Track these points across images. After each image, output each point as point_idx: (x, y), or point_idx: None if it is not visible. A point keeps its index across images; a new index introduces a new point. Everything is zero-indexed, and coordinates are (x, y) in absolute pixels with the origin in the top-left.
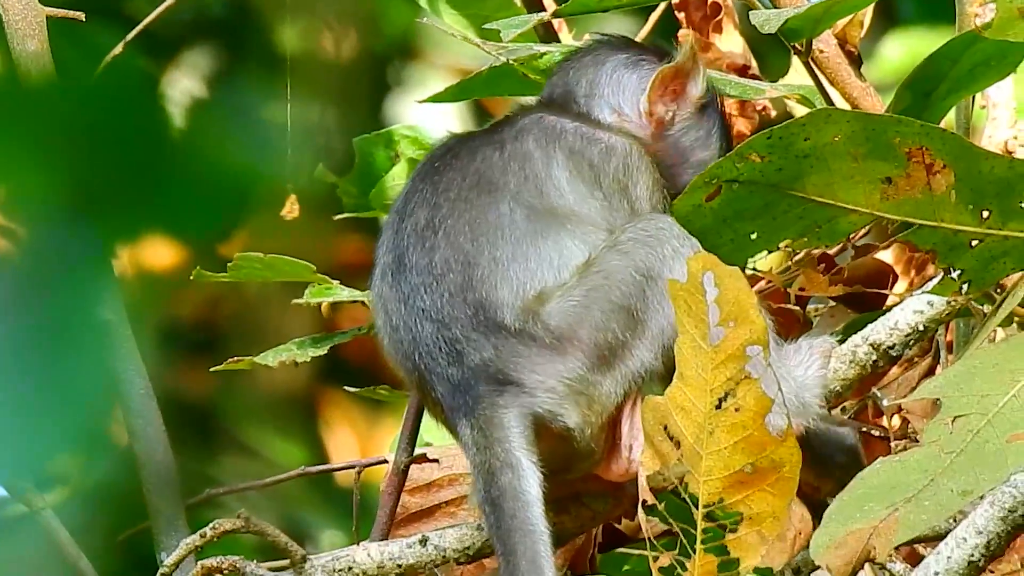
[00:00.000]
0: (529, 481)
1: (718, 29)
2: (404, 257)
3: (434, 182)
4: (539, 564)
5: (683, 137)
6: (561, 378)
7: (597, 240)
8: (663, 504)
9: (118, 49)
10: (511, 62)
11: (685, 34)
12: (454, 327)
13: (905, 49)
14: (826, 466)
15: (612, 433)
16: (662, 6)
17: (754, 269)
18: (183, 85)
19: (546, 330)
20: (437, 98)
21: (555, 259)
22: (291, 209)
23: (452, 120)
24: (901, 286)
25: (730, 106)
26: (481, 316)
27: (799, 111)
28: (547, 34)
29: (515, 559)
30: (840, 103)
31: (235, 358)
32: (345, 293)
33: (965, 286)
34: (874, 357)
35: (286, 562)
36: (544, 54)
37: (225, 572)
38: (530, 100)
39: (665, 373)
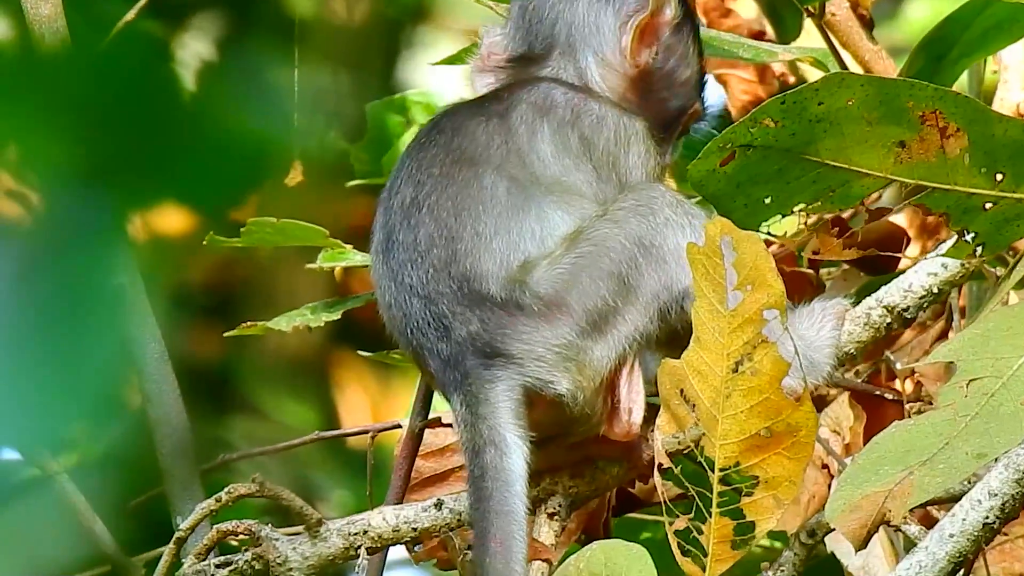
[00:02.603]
0: (512, 459)
1: None
2: (392, 235)
3: (419, 159)
4: (511, 547)
5: (667, 64)
6: (549, 345)
7: (584, 211)
8: (679, 468)
9: (131, 15)
10: None
11: None
12: (440, 302)
13: (929, 9)
14: None
15: (610, 396)
16: None
17: (769, 233)
18: (192, 49)
19: (534, 297)
20: (449, 61)
21: (537, 230)
22: (295, 176)
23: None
24: (915, 249)
25: (750, 73)
26: (466, 289)
27: (814, 77)
28: None
29: (487, 540)
30: (853, 67)
31: (248, 323)
32: (358, 257)
33: (979, 249)
34: (888, 319)
35: (301, 527)
36: None
37: (240, 536)
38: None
39: (663, 337)
